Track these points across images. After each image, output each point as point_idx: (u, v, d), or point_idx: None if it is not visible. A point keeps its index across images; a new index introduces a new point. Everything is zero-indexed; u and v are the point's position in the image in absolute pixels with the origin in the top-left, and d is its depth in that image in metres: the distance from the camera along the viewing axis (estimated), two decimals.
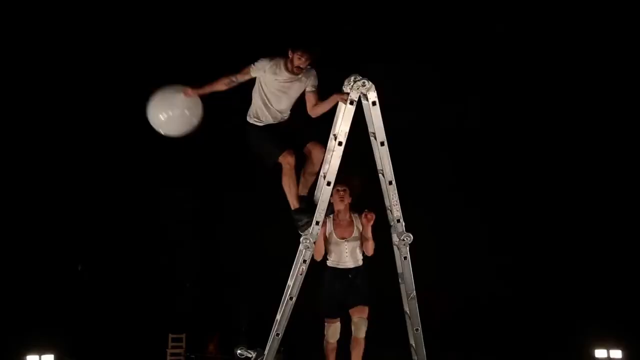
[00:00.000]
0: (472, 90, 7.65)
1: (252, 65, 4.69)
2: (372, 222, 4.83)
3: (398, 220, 4.71)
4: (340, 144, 4.54)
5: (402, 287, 4.92)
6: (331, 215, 5.00)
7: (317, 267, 4.89)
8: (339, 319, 4.97)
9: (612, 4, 7.31)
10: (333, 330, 4.95)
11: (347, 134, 4.51)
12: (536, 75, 7.59)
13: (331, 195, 4.76)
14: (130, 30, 7.29)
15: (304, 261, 4.68)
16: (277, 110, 4.77)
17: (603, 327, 6.73)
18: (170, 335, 7.03)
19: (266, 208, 7.05)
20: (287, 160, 4.66)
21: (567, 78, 7.50)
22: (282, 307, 4.77)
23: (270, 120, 4.79)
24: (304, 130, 4.88)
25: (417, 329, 4.89)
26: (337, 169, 4.60)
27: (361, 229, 4.94)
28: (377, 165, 4.72)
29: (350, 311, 4.94)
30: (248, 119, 4.85)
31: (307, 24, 6.96)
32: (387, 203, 4.78)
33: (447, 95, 7.58)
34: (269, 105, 4.74)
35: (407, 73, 6.98)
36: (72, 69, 7.30)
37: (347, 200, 4.97)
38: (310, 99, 4.74)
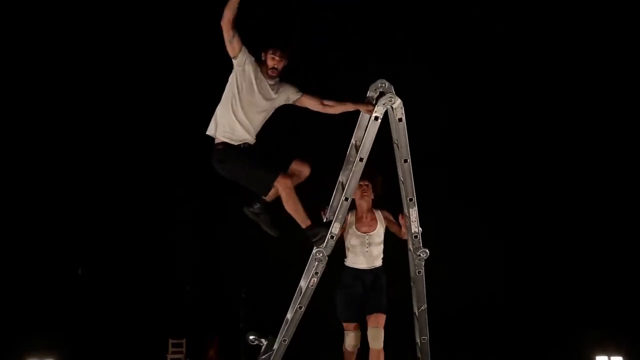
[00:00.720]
0: (473, 91, 7.61)
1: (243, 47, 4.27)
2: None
3: (415, 236, 4.67)
4: (361, 159, 4.44)
5: (413, 291, 4.87)
6: (353, 211, 4.94)
7: (328, 270, 4.77)
8: (358, 325, 4.90)
9: (613, 4, 7.26)
10: (351, 339, 4.89)
11: (369, 150, 4.43)
12: (537, 76, 7.55)
13: None
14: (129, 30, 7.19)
15: (316, 273, 4.56)
16: (247, 121, 4.39)
17: (604, 333, 6.75)
18: (171, 341, 6.97)
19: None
20: (285, 184, 4.37)
21: (569, 79, 7.45)
22: (290, 313, 4.70)
23: (246, 137, 4.43)
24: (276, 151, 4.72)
25: (424, 339, 4.88)
26: (356, 186, 4.54)
27: (385, 224, 4.94)
28: (399, 176, 4.66)
29: (367, 318, 4.86)
30: (219, 139, 4.46)
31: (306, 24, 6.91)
32: (405, 210, 4.73)
33: (447, 96, 7.53)
34: (240, 110, 4.36)
35: (406, 73, 6.91)
36: (72, 69, 7.18)
37: (370, 196, 4.93)
38: (309, 101, 4.54)
